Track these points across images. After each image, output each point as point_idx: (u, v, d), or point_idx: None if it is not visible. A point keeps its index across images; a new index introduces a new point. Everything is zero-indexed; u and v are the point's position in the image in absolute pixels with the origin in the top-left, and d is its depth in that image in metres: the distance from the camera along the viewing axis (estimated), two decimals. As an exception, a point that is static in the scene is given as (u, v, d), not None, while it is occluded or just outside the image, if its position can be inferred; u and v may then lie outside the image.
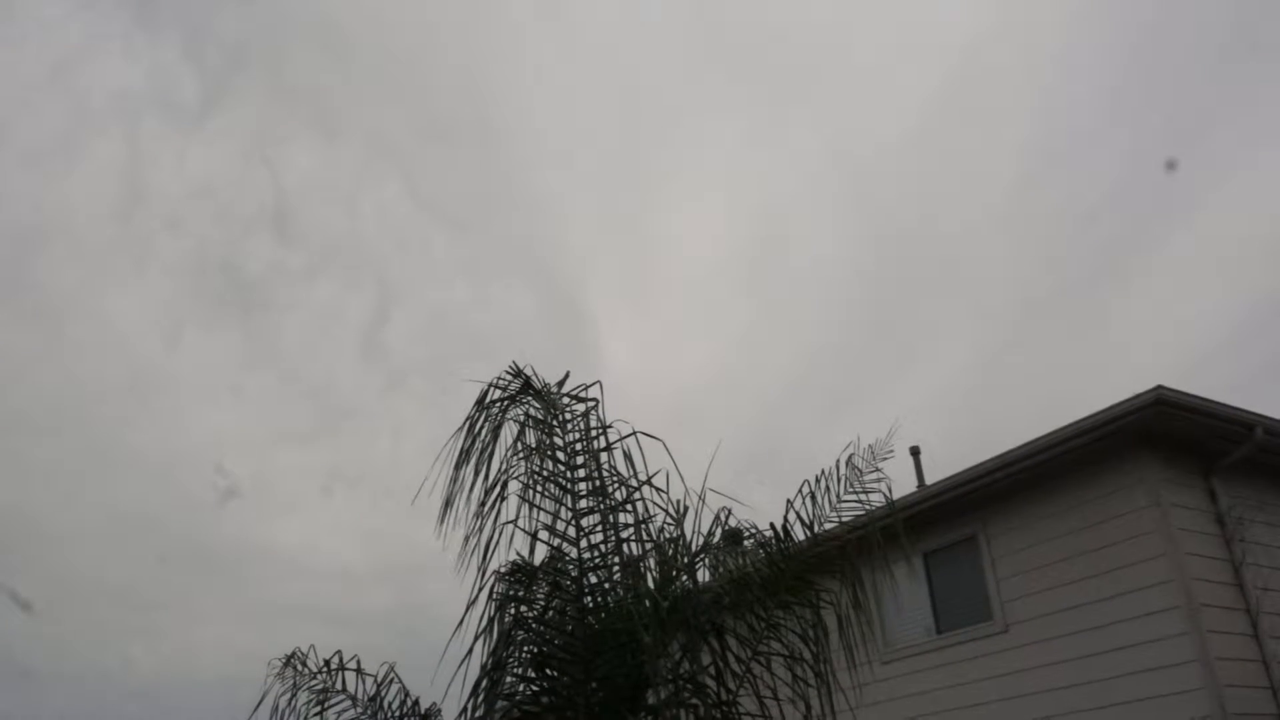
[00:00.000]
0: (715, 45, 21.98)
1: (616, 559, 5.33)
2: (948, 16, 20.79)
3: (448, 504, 4.94)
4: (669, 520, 5.37)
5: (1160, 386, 8.59)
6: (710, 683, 5.21)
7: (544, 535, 5.33)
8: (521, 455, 5.16)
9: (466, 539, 4.94)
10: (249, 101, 21.45)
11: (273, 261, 23.81)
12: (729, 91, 22.88)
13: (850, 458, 6.01)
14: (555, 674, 5.31)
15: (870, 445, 6.18)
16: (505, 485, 5.02)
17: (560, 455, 5.34)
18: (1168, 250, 23.14)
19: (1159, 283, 23.54)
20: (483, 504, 4.93)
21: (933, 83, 22.03)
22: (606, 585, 5.36)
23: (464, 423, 5.05)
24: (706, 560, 5.57)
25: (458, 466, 4.93)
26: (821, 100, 23.19)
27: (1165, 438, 9.11)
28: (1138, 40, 20.17)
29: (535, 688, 5.32)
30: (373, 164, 23.13)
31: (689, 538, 5.43)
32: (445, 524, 4.94)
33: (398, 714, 5.73)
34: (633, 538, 5.31)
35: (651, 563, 5.36)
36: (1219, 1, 19.09)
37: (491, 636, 5.12)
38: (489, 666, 5.05)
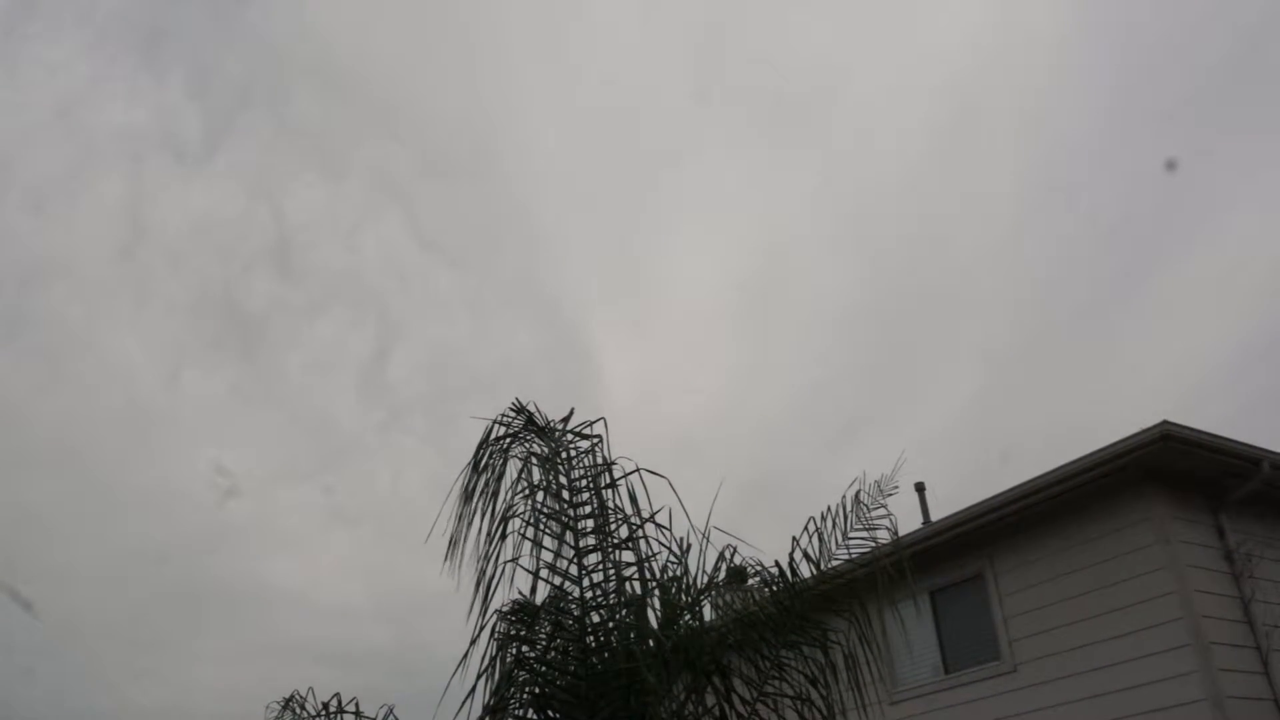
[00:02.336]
0: (716, 81, 22.15)
1: (619, 598, 5.26)
2: (946, 49, 21.00)
3: (451, 542, 4.89)
4: (673, 558, 5.31)
5: (1166, 421, 8.55)
6: (715, 725, 5.11)
7: (546, 574, 5.27)
8: (524, 493, 5.11)
9: (478, 580, 4.88)
10: (252, 140, 21.59)
11: (274, 298, 23.84)
12: (730, 127, 23.05)
13: (857, 494, 5.96)
14: (557, 715, 5.22)
15: (876, 481, 6.14)
16: (508, 523, 4.97)
17: (564, 492, 5.29)
18: (1169, 278, 23.19)
19: (1161, 311, 23.57)
20: (487, 542, 4.87)
21: (932, 116, 22.20)
22: (609, 625, 5.29)
23: (471, 461, 5.01)
24: (711, 599, 5.51)
25: (462, 504, 4.88)
26: (822, 133, 23.35)
27: (1172, 473, 9.04)
28: (1134, 71, 20.36)
29: (537, 730, 5.22)
30: (374, 200, 23.24)
31: (693, 576, 5.38)
32: (448, 562, 4.88)
33: (397, 757, 5.63)
34: (636, 576, 5.24)
35: (655, 601, 5.29)
36: (1215, 27, 19.28)
37: (493, 676, 5.04)
38: (490, 707, 4.96)
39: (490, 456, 5.08)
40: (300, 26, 20.24)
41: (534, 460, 5.21)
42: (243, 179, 21.68)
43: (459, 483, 4.94)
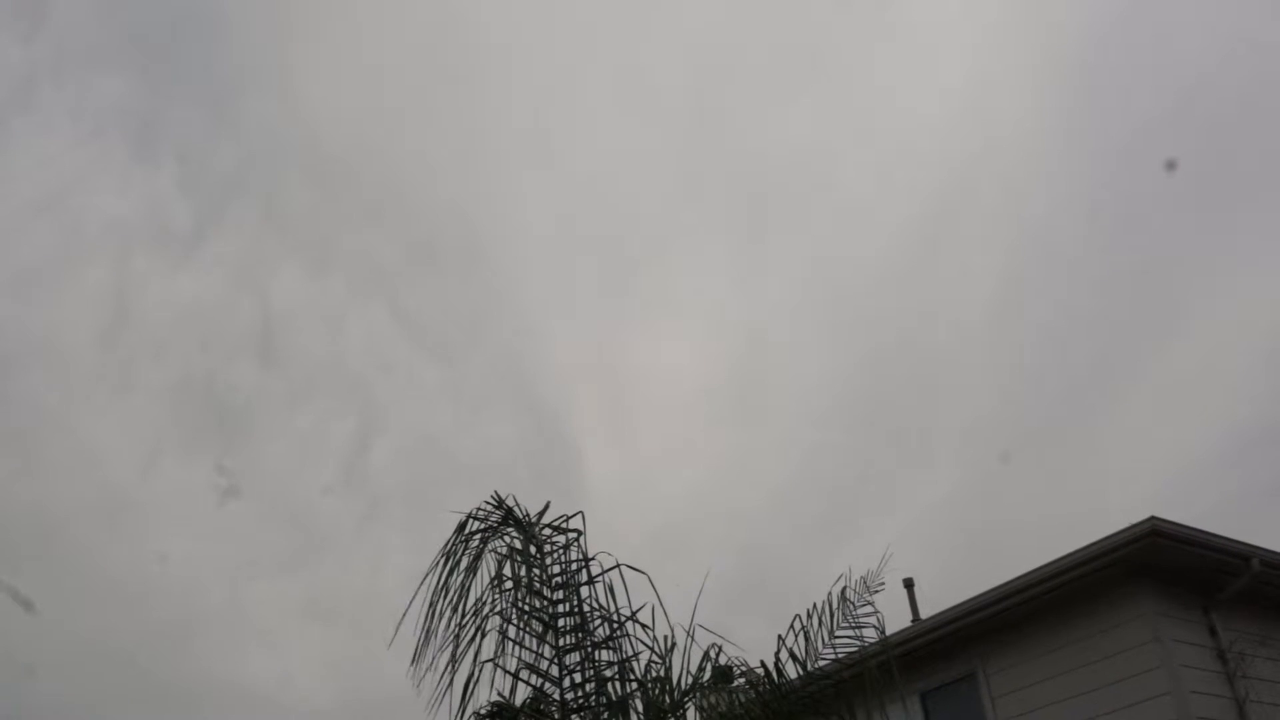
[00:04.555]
0: (701, 171, 22.60)
1: (601, 699, 5.09)
2: (928, 141, 21.53)
3: (425, 641, 4.73)
4: (655, 658, 5.16)
5: (1154, 517, 8.47)
6: (700, 835, 4.91)
7: (525, 674, 5.10)
8: (502, 589, 4.98)
9: (454, 680, 4.72)
10: (241, 229, 21.78)
11: (256, 387, 23.70)
12: (713, 216, 23.41)
13: (843, 591, 5.85)
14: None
15: (862, 577, 6.04)
16: (485, 621, 4.82)
17: (543, 589, 5.15)
18: (1156, 367, 23.36)
19: (1146, 403, 23.66)
20: (459, 641, 4.72)
21: (915, 206, 22.63)
22: (590, 728, 5.10)
23: (443, 556, 4.88)
24: (695, 701, 5.34)
25: (433, 602, 4.74)
26: (805, 225, 23.72)
27: (1162, 569, 8.94)
28: (1115, 163, 20.87)
29: (513, 842, 4.99)
30: (360, 289, 23.37)
31: (676, 676, 5.22)
32: (421, 662, 4.72)
33: None
34: (618, 677, 5.08)
35: (638, 703, 5.13)
36: (1193, 125, 19.84)
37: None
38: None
39: (463, 550, 4.95)
40: (294, 117, 20.65)
41: (512, 555, 5.09)
42: (229, 268, 21.80)
43: (430, 578, 4.81)
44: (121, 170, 20.58)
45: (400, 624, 4.73)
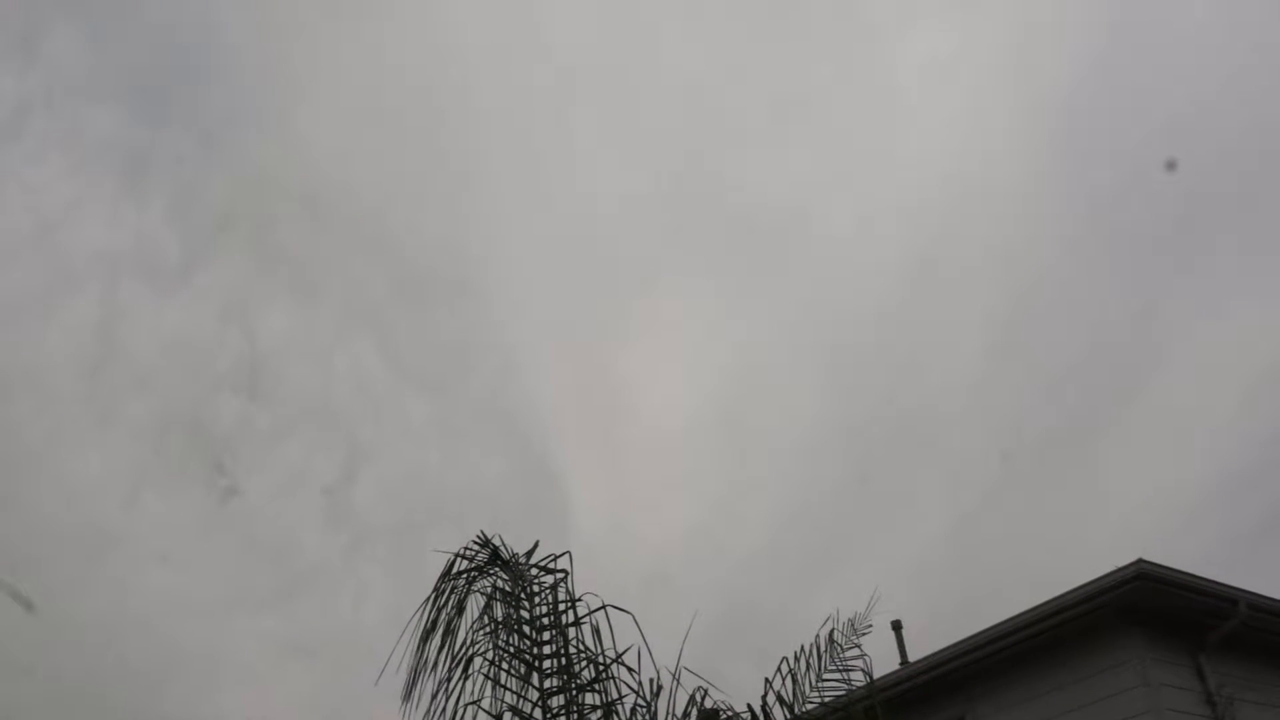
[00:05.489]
0: (691, 211, 22.74)
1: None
2: (920, 178, 21.75)
3: (410, 683, 4.67)
4: (641, 701, 5.09)
5: (1141, 560, 8.46)
6: None
7: (509, 717, 5.02)
8: (486, 630, 4.91)
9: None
10: (230, 263, 21.77)
11: (241, 421, 23.52)
12: (704, 255, 23.55)
13: (830, 633, 5.79)
14: None
15: (850, 619, 5.98)
16: (469, 663, 4.75)
17: (527, 630, 5.09)
18: (1140, 411, 23.43)
19: (1133, 443, 23.68)
20: (445, 682, 4.65)
21: (906, 243, 22.80)
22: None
23: (429, 596, 4.82)
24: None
25: (421, 643, 4.68)
26: (796, 264, 23.86)
27: (1150, 613, 8.91)
28: (1101, 199, 21.09)
29: None
30: (348, 323, 23.33)
31: (662, 720, 5.14)
32: (405, 704, 4.66)
33: None
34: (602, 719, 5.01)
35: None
36: (1182, 162, 20.09)
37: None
38: None
39: (450, 591, 4.89)
40: (284, 152, 20.73)
41: (497, 595, 5.03)
42: (217, 301, 21.76)
43: (416, 618, 4.75)
44: (111, 202, 20.61)
45: (385, 666, 4.67)
